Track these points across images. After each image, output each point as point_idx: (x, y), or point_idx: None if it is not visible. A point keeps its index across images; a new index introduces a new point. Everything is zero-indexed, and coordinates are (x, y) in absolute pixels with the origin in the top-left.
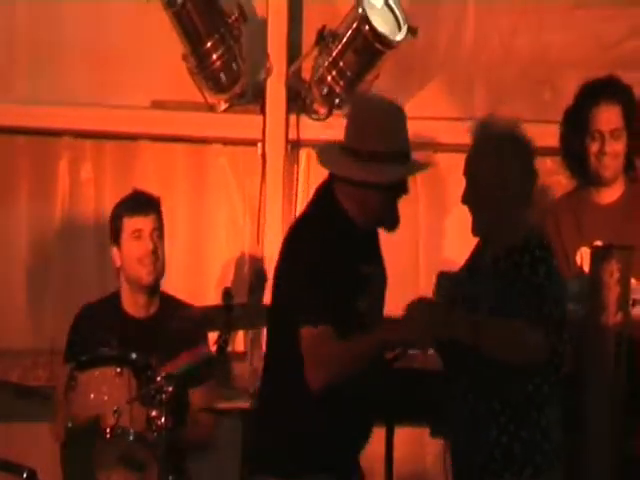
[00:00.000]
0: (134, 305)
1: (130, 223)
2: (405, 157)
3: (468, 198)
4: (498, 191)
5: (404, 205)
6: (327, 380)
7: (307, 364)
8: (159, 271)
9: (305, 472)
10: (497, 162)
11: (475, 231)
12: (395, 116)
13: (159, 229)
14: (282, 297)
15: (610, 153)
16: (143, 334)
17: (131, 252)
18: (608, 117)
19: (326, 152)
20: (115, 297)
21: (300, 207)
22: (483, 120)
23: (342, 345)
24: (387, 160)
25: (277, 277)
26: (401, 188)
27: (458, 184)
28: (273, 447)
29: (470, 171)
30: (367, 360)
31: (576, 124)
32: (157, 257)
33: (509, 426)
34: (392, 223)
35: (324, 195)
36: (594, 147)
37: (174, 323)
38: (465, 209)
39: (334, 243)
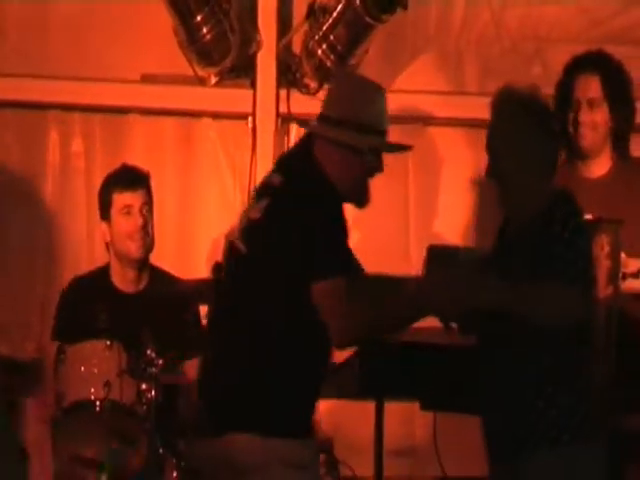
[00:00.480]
0: (123, 280)
1: (120, 199)
2: (385, 135)
3: (492, 172)
4: (520, 160)
5: (394, 177)
6: (356, 333)
7: (334, 316)
8: (149, 246)
9: (292, 434)
10: (516, 131)
11: (501, 204)
12: (381, 94)
13: (149, 204)
14: (277, 257)
15: (586, 123)
16: (133, 308)
17: (121, 228)
18: (585, 86)
19: (306, 123)
20: (104, 271)
21: None
22: (500, 91)
23: (376, 300)
24: (371, 133)
25: (269, 238)
26: (378, 165)
27: (447, 156)
28: (256, 405)
29: (491, 144)
30: (397, 322)
31: (560, 96)
32: (147, 232)
33: (546, 391)
34: (364, 198)
35: (304, 158)
36: (571, 116)
37: (164, 297)
38: (452, 182)
39: (330, 203)
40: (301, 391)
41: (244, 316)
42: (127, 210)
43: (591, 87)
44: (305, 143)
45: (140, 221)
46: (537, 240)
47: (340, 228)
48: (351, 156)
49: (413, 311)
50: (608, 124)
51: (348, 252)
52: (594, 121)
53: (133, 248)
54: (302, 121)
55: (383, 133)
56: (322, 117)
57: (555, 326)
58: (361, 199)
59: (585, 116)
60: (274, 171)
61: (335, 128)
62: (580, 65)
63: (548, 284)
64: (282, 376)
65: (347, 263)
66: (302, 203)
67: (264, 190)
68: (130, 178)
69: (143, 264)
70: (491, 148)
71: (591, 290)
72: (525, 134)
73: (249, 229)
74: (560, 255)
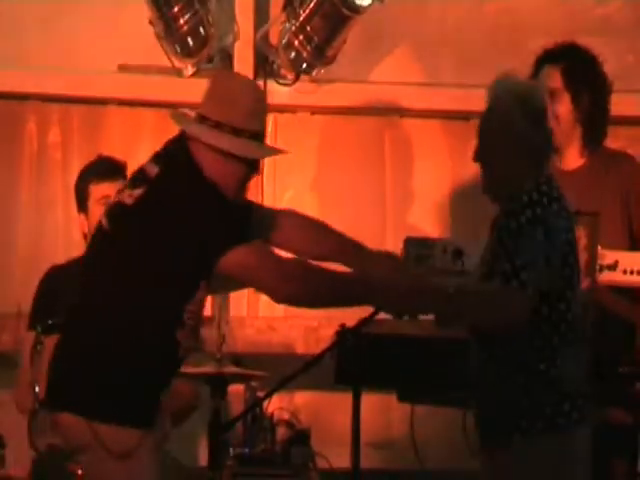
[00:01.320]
0: None
1: (97, 190)
2: (263, 137)
3: (478, 156)
4: (505, 147)
5: (371, 169)
6: (296, 288)
7: (267, 274)
8: None
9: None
10: (506, 118)
11: (485, 189)
12: (259, 95)
13: None
14: (143, 247)
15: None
16: None
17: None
18: (546, 78)
19: (184, 120)
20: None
21: (266, 169)
22: (498, 78)
23: (325, 271)
24: (253, 138)
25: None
26: (254, 169)
27: (424, 148)
28: (85, 388)
29: (482, 128)
30: (341, 302)
31: None
32: None
33: (517, 380)
34: (240, 196)
35: (180, 154)
36: None
37: None
38: (429, 174)
39: (206, 198)
40: (134, 381)
41: (93, 296)
42: (105, 200)
43: (552, 78)
44: (181, 139)
45: None
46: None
47: (225, 215)
48: (226, 160)
49: (358, 296)
50: (572, 115)
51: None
52: (555, 112)
53: None
54: (177, 116)
55: (260, 135)
56: (200, 117)
57: (497, 330)
58: (238, 197)
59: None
60: (151, 161)
61: (212, 130)
62: (545, 57)
63: (485, 291)
64: (115, 362)
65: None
66: (178, 198)
67: (139, 178)
68: (107, 168)
69: None
70: (481, 132)
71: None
72: (513, 124)
73: (119, 212)
74: (505, 253)
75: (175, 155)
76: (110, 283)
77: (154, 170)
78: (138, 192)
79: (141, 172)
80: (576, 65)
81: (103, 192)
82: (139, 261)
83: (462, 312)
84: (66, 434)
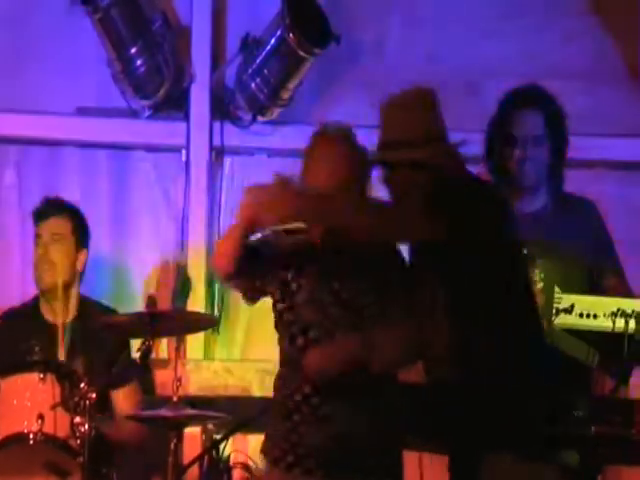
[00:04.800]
0: (50, 311)
1: (34, 231)
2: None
3: None
4: None
5: None
6: None
7: None
8: (55, 277)
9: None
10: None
11: None
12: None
13: (62, 233)
14: None
15: (531, 159)
16: (64, 339)
17: (33, 258)
18: (528, 123)
19: None
20: (35, 302)
21: (224, 213)
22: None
23: None
24: None
25: None
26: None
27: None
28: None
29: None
30: None
31: (499, 130)
32: (51, 262)
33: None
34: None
35: None
36: (515, 153)
37: (97, 329)
38: None
39: None
40: None
41: None
42: (37, 241)
43: (535, 124)
44: None
45: (41, 251)
46: None
47: None
48: None
49: None
50: (548, 160)
51: None
52: (537, 157)
53: (36, 278)
54: None
55: None
56: None
57: None
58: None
59: (530, 153)
60: None
61: None
62: (519, 100)
63: None
64: None
65: None
66: None
67: None
68: (42, 209)
69: (62, 296)
70: None
71: None
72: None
73: None
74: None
75: None
76: None
77: None
78: None
79: None
80: (554, 112)
81: (36, 232)
82: None
83: None
84: None
